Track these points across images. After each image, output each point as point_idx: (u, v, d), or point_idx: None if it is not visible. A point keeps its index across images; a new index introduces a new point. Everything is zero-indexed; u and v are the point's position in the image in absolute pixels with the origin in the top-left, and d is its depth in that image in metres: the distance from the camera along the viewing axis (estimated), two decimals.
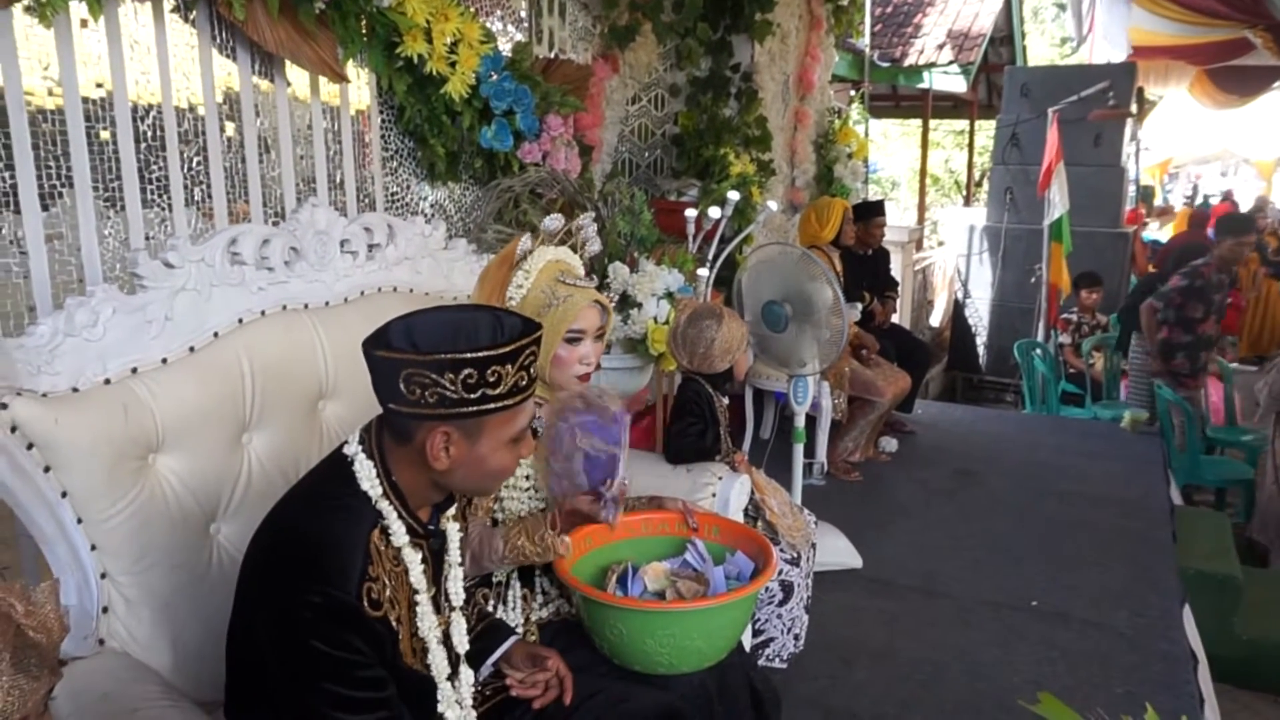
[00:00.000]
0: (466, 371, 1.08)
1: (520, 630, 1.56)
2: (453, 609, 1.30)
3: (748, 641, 2.28)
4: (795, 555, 2.40)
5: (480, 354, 1.09)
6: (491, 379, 1.10)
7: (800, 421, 3.02)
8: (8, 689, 0.83)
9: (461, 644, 1.30)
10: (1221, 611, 3.29)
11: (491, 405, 1.12)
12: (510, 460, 1.20)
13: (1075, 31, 8.46)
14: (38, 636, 0.90)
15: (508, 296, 1.59)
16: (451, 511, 1.31)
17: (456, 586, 1.30)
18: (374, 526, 1.16)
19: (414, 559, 1.20)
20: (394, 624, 1.18)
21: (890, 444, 4.35)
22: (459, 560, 1.31)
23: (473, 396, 1.10)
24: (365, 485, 1.16)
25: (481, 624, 1.45)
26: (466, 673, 1.30)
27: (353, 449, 1.18)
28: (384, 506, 1.17)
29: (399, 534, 1.18)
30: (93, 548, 1.35)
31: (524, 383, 1.15)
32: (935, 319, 8.35)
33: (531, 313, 1.59)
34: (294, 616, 1.08)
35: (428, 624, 1.22)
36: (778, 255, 2.86)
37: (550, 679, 1.39)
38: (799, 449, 3.05)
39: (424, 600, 1.21)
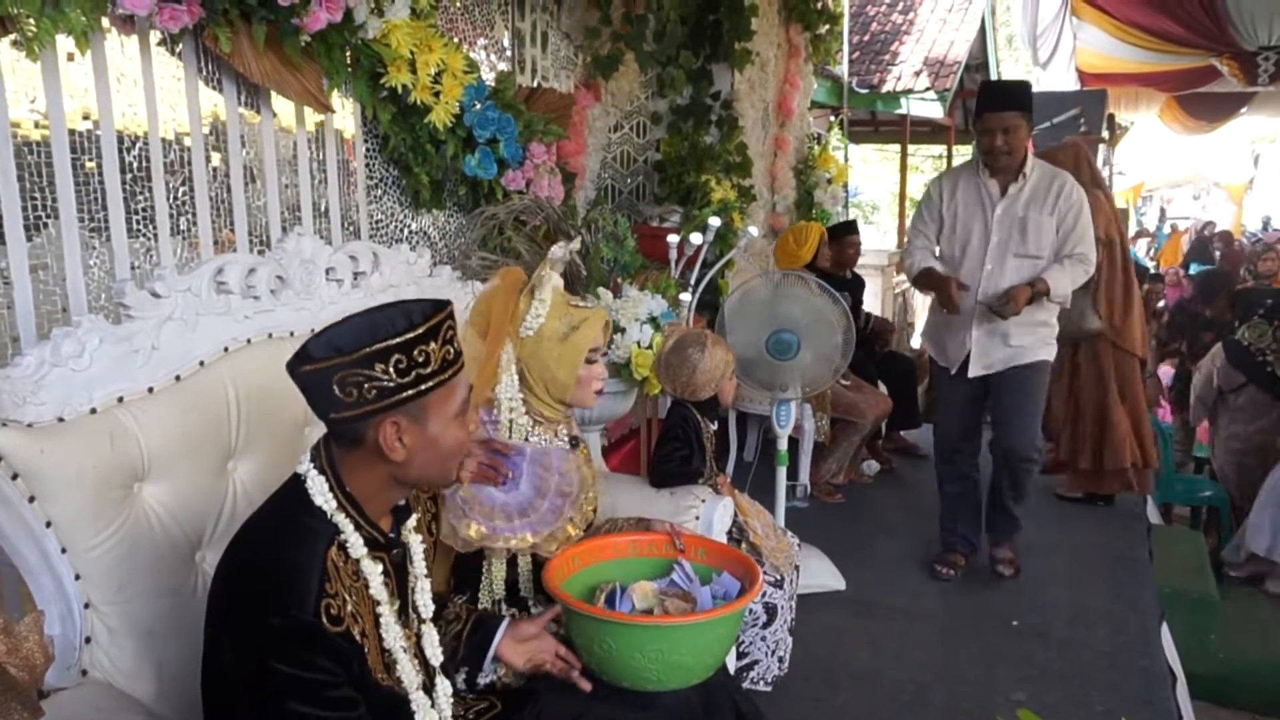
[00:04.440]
0: (395, 358, 1.12)
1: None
2: (422, 621, 1.31)
3: (732, 664, 2.29)
4: (779, 578, 2.42)
5: (402, 338, 1.12)
6: (420, 359, 1.14)
7: (783, 444, 3.05)
8: None
9: (435, 656, 1.31)
10: (1198, 629, 3.34)
11: (428, 384, 1.15)
12: (462, 434, 1.24)
13: (1032, 60, 8.64)
14: (20, 674, 0.89)
15: (524, 327, 1.64)
16: (413, 523, 1.31)
17: (425, 598, 1.31)
18: (330, 543, 1.17)
19: (373, 570, 1.21)
20: (358, 638, 1.18)
21: (872, 466, 4.38)
22: (424, 572, 1.32)
23: (408, 380, 1.13)
24: (319, 500, 1.17)
25: (469, 619, 1.47)
26: (444, 684, 1.31)
27: (304, 467, 1.20)
28: (340, 519, 1.18)
29: (356, 546, 1.19)
30: (77, 577, 1.34)
31: (451, 356, 1.19)
32: (916, 341, 8.43)
33: (554, 339, 1.65)
34: (255, 642, 1.09)
35: (393, 635, 1.22)
36: (775, 283, 2.92)
37: (553, 654, 1.46)
38: (782, 471, 3.07)
39: (387, 612, 1.22)
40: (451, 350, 1.19)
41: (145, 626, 1.42)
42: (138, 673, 1.40)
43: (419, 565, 1.31)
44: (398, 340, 1.12)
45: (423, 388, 1.15)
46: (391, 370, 1.12)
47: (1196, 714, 2.83)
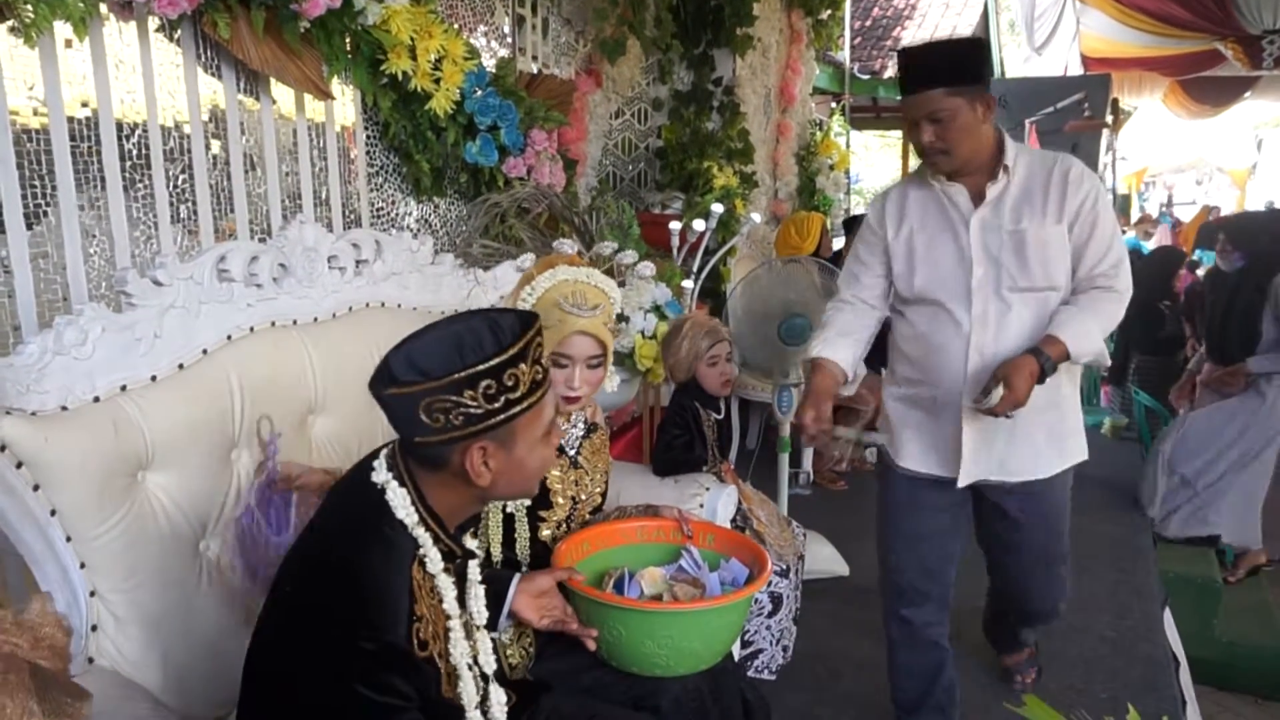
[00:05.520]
0: (485, 383, 1.06)
1: (508, 632, 1.58)
2: (477, 628, 1.27)
3: (736, 653, 2.30)
4: (784, 567, 2.42)
5: (492, 362, 1.07)
6: (510, 383, 1.08)
7: (785, 431, 3.04)
8: None
9: (489, 664, 1.27)
10: (1201, 614, 3.34)
11: (517, 409, 1.10)
12: (548, 453, 1.20)
13: (1028, 43, 8.59)
14: (51, 663, 0.86)
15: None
16: (470, 530, 1.29)
17: (479, 605, 1.27)
18: (412, 559, 1.14)
19: (447, 584, 1.18)
20: (436, 659, 1.16)
21: (875, 442, 4.36)
22: (479, 578, 1.29)
23: (497, 405, 1.08)
24: (401, 514, 1.12)
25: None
26: (497, 692, 1.27)
27: (382, 476, 1.14)
28: (420, 534, 1.14)
29: (434, 561, 1.15)
30: (82, 565, 1.34)
31: (540, 376, 1.13)
32: None
33: None
34: (343, 661, 1.04)
35: (460, 650, 1.19)
36: (780, 270, 2.91)
37: (564, 611, 1.48)
38: (784, 459, 3.07)
39: (456, 626, 1.19)
40: (540, 370, 1.13)
41: (152, 615, 1.42)
42: (144, 661, 1.40)
43: (474, 572, 1.28)
44: (487, 366, 1.06)
45: (512, 412, 1.10)
46: (480, 397, 1.06)
47: (1200, 698, 2.83)
